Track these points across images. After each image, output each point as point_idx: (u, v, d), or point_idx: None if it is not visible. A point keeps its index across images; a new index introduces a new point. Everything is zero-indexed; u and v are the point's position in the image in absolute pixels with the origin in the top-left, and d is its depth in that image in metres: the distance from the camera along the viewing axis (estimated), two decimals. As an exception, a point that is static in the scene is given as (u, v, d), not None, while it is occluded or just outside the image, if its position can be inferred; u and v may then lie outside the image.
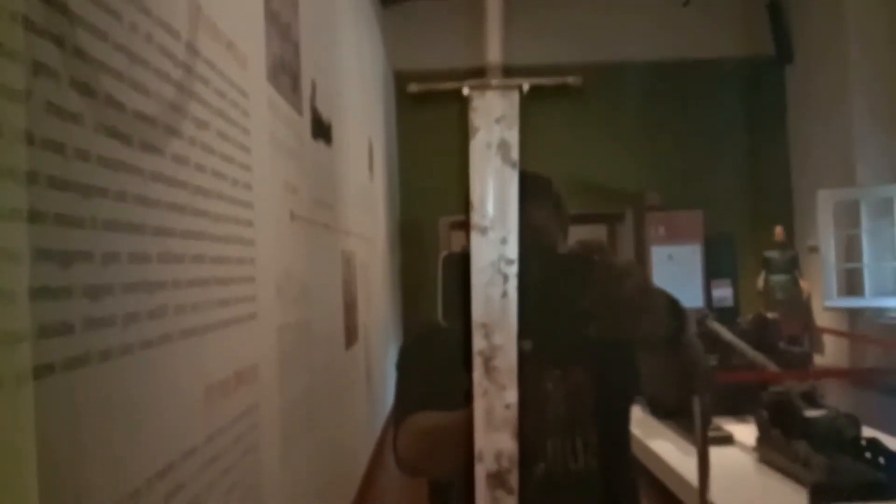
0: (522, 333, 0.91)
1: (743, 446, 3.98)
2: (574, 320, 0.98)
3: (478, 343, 0.84)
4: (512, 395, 0.84)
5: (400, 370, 1.18)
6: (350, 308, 3.86)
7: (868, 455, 3.43)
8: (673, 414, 1.34)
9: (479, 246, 0.83)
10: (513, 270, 0.83)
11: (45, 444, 0.96)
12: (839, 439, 3.42)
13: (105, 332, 1.15)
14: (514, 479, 0.85)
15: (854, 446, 3.45)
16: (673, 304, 0.99)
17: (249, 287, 1.97)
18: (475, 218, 0.85)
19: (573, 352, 1.11)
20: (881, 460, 3.37)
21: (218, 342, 1.68)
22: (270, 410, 2.11)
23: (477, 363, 0.84)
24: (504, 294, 0.83)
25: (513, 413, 0.84)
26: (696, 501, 3.27)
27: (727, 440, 4.05)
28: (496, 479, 0.86)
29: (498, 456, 0.86)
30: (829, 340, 7.62)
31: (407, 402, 1.14)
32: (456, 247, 6.54)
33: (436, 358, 1.09)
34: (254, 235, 2.02)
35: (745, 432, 4.12)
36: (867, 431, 3.55)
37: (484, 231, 0.82)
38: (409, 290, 7.97)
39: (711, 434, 3.52)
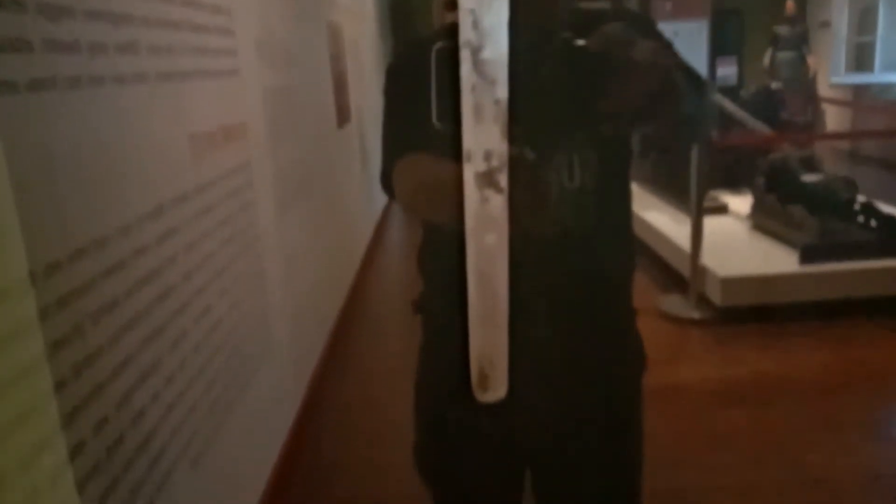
0: (525, 138, 0.83)
1: (737, 215, 4.03)
2: (587, 123, 0.92)
3: (465, 33, 0.76)
4: (502, 91, 0.77)
5: (388, 93, 1.09)
6: (340, 85, 3.73)
7: (861, 219, 3.48)
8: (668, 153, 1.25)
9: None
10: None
11: (20, 168, 0.92)
12: (834, 202, 3.44)
13: (70, 58, 1.08)
14: (503, 179, 0.80)
15: (848, 209, 3.48)
16: (694, 79, 0.91)
17: (228, 40, 1.86)
18: None
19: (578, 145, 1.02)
20: (873, 223, 3.42)
21: (198, 91, 1.61)
22: (263, 173, 2.08)
23: (464, 56, 0.76)
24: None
25: (502, 109, 0.78)
26: (688, 266, 3.38)
27: (722, 209, 4.10)
28: (485, 178, 0.81)
29: (487, 155, 0.81)
30: (831, 116, 7.50)
31: (397, 129, 1.08)
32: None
33: (427, 76, 0.99)
34: (228, -16, 1.86)
35: (740, 204, 4.16)
36: (865, 201, 3.57)
37: None
38: (401, 47, 7.68)
39: (707, 204, 3.54)
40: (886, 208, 3.56)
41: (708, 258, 3.29)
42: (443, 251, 1.00)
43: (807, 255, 3.17)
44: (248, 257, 1.88)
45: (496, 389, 0.85)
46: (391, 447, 1.92)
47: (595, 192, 1.01)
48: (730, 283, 3.12)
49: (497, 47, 0.84)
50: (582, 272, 0.97)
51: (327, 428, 2.50)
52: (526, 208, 0.77)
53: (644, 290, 3.48)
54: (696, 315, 3.22)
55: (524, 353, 0.77)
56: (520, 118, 0.79)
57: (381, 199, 5.65)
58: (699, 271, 3.28)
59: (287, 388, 2.32)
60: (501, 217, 0.88)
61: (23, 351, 0.94)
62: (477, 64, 0.84)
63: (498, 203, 0.90)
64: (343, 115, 3.72)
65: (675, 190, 4.16)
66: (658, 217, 4.12)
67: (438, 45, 0.94)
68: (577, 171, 1.04)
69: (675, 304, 3.34)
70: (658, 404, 2.02)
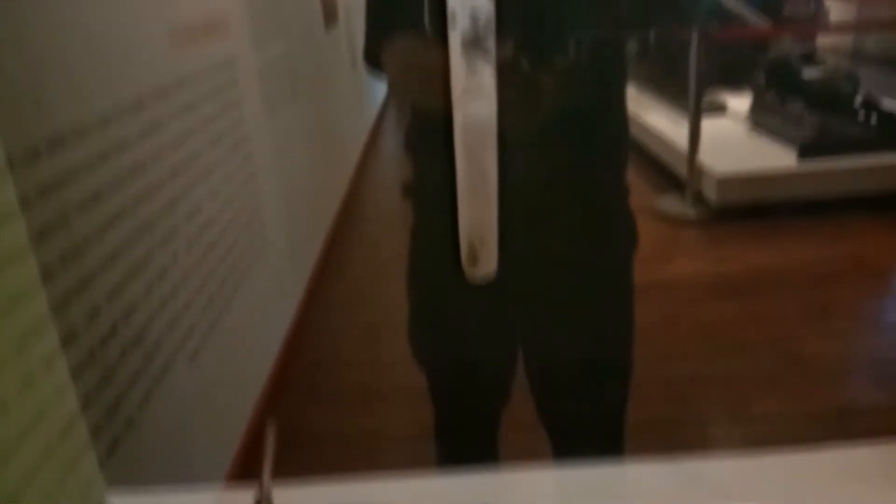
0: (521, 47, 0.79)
1: (736, 115, 3.97)
2: (586, 30, 0.90)
3: None
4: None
5: None
6: (327, -16, 3.58)
7: (862, 114, 3.42)
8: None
9: None
10: None
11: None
12: (835, 98, 3.38)
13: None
14: (490, 43, 0.76)
15: (849, 104, 3.42)
16: None
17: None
18: None
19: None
20: (874, 119, 3.37)
21: (175, -20, 1.54)
22: (248, 70, 2.02)
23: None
24: None
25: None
26: (685, 166, 3.34)
27: (721, 109, 4.03)
28: (472, 43, 0.78)
29: (473, 16, 0.77)
30: (836, 14, 7.27)
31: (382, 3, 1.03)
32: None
33: None
34: None
35: (739, 103, 4.08)
36: (867, 96, 3.49)
37: None
38: None
39: (705, 104, 3.47)
40: (888, 104, 3.50)
41: (705, 157, 3.25)
42: (431, 131, 0.97)
43: (805, 151, 3.13)
44: (237, 157, 1.85)
45: (486, 265, 0.83)
46: (391, 343, 1.95)
47: (589, 66, 0.98)
48: (726, 181, 3.10)
49: None
50: (575, 145, 0.95)
51: (327, 325, 2.53)
52: (517, 115, 0.74)
53: (640, 191, 3.46)
54: (692, 214, 3.21)
55: (514, 229, 0.76)
56: (512, 27, 0.75)
57: (373, 105, 5.55)
58: (696, 170, 3.25)
59: (285, 286, 2.33)
60: (489, 85, 0.83)
61: (5, 237, 0.92)
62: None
63: (485, 71, 0.86)
64: (330, 13, 3.59)
65: (673, 90, 4.08)
66: (656, 118, 4.05)
67: None
68: (571, 45, 1.00)
69: (671, 203, 3.33)
70: (650, 298, 2.04)
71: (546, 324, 1.04)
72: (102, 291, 1.13)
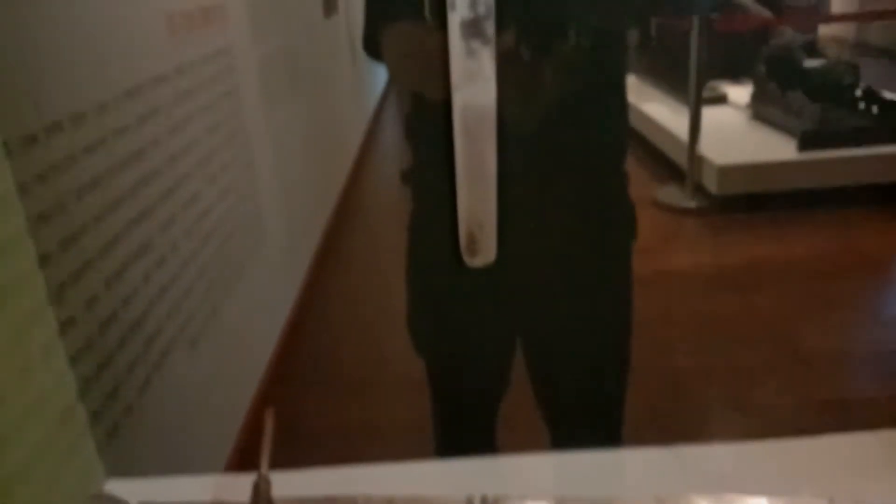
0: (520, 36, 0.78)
1: (737, 105, 3.96)
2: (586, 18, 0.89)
3: None
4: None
5: None
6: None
7: (862, 105, 3.41)
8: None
9: None
10: None
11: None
12: (835, 88, 3.37)
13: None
14: (490, 27, 0.76)
15: (849, 95, 3.41)
16: None
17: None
18: None
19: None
20: (874, 110, 3.36)
21: (173, -33, 1.53)
22: (246, 59, 2.01)
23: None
24: None
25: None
26: (685, 157, 3.34)
27: (721, 99, 4.01)
28: (471, 26, 0.77)
29: (473, 1, 0.76)
30: (837, 5, 7.25)
31: None
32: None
33: None
34: None
35: (740, 93, 4.07)
36: (867, 87, 3.48)
37: None
38: None
39: (706, 94, 3.46)
40: (889, 95, 3.49)
41: (705, 147, 3.25)
42: (430, 118, 0.97)
43: (805, 142, 3.12)
44: (234, 146, 1.85)
45: (485, 253, 0.83)
46: (389, 334, 1.95)
47: (589, 52, 0.98)
48: (727, 172, 3.09)
49: None
50: (574, 133, 0.95)
51: (325, 316, 2.53)
52: (517, 104, 0.74)
53: (641, 182, 3.46)
54: (692, 204, 3.21)
55: (514, 216, 0.75)
56: (512, 14, 0.74)
57: (373, 94, 5.53)
58: (696, 161, 3.24)
59: (283, 276, 2.33)
60: (489, 70, 0.83)
61: (2, 225, 0.92)
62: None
63: (485, 55, 0.85)
64: (330, 4, 3.58)
65: (673, 80, 4.06)
66: (656, 108, 4.04)
67: None
68: (571, 34, 0.99)
69: (671, 194, 3.32)
70: (650, 289, 2.04)
71: (545, 312, 1.04)
72: (101, 278, 1.13)
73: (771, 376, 2.00)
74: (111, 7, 1.24)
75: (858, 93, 3.42)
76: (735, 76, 4.34)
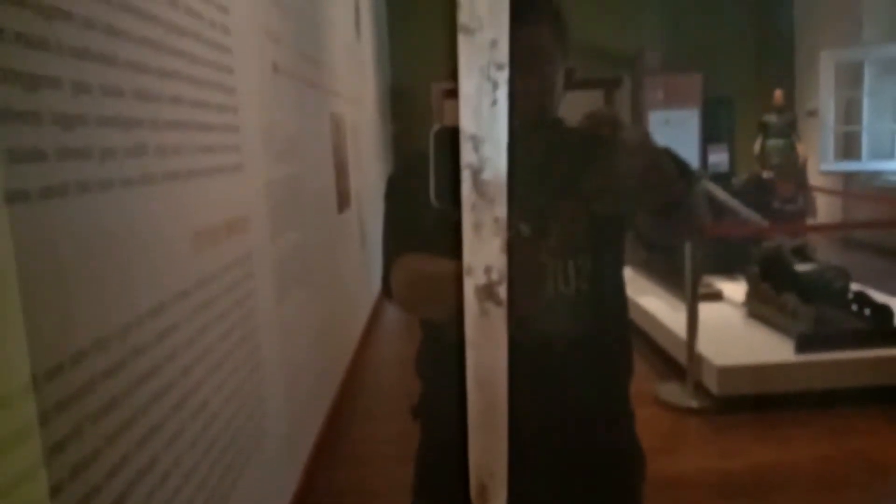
0: (521, 215, 0.86)
1: (732, 302, 4.06)
2: (578, 200, 0.94)
3: (466, 156, 0.80)
4: (501, 210, 0.80)
5: (388, 199, 1.13)
6: (341, 172, 3.81)
7: (855, 307, 3.50)
8: (661, 251, 1.27)
9: (466, 49, 0.77)
10: (503, 76, 0.76)
11: (28, 273, 0.95)
12: (827, 291, 3.47)
13: (81, 164, 1.12)
14: (502, 291, 0.82)
15: (841, 298, 3.51)
16: (683, 169, 0.95)
17: (233, 136, 1.92)
18: (461, 17, 0.78)
19: (573, 231, 1.05)
20: (867, 312, 3.45)
21: (204, 189, 1.65)
22: (263, 262, 2.11)
23: (465, 176, 0.80)
24: (494, 102, 0.78)
25: (501, 226, 0.81)
26: (685, 354, 3.37)
27: (716, 296, 4.12)
28: (485, 291, 0.83)
29: (487, 270, 0.83)
30: (822, 204, 7.63)
31: (397, 233, 1.11)
32: (450, 117, 6.40)
33: (425, 187, 1.03)
34: (235, 83, 1.94)
35: (734, 290, 4.20)
36: (859, 290, 3.60)
37: (471, 32, 0.76)
38: (401, 159, 7.88)
39: (702, 291, 3.57)
40: (879, 297, 3.59)
41: (704, 346, 3.29)
42: (442, 356, 1.01)
43: (802, 345, 3.18)
44: (245, 348, 1.89)
45: (496, 501, 0.85)
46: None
47: (590, 295, 1.04)
48: (727, 373, 3.12)
49: (496, 170, 0.88)
50: (580, 377, 0.99)
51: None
52: (521, 285, 0.79)
53: (641, 378, 3.47)
54: (693, 404, 3.20)
55: (524, 461, 0.78)
56: (514, 196, 0.81)
57: (377, 280, 5.67)
58: (696, 359, 3.28)
59: (281, 476, 2.28)
60: (501, 329, 0.90)
61: (20, 458, 0.94)
62: (477, 184, 0.88)
63: (498, 315, 0.92)
64: (343, 201, 3.78)
65: (669, 276, 4.20)
66: (653, 302, 4.15)
67: (437, 127, 0.98)
68: (571, 276, 1.06)
69: (672, 392, 3.33)
70: (657, 498, 1.99)
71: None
72: (107, 502, 1.12)
73: None
74: (140, 225, 1.32)
75: (850, 295, 3.53)
76: (728, 272, 4.49)
